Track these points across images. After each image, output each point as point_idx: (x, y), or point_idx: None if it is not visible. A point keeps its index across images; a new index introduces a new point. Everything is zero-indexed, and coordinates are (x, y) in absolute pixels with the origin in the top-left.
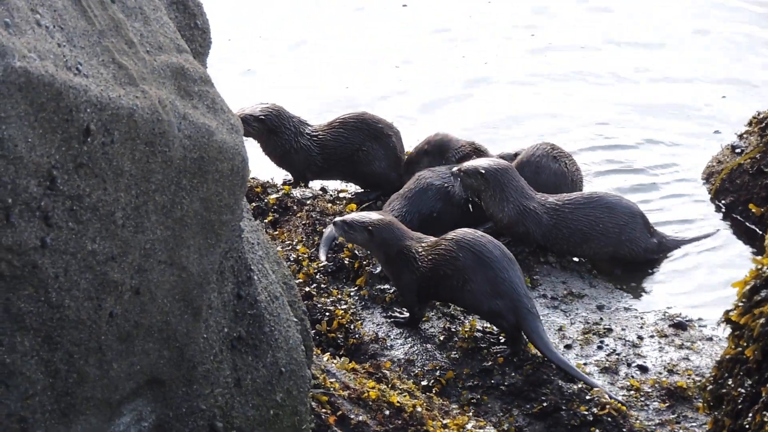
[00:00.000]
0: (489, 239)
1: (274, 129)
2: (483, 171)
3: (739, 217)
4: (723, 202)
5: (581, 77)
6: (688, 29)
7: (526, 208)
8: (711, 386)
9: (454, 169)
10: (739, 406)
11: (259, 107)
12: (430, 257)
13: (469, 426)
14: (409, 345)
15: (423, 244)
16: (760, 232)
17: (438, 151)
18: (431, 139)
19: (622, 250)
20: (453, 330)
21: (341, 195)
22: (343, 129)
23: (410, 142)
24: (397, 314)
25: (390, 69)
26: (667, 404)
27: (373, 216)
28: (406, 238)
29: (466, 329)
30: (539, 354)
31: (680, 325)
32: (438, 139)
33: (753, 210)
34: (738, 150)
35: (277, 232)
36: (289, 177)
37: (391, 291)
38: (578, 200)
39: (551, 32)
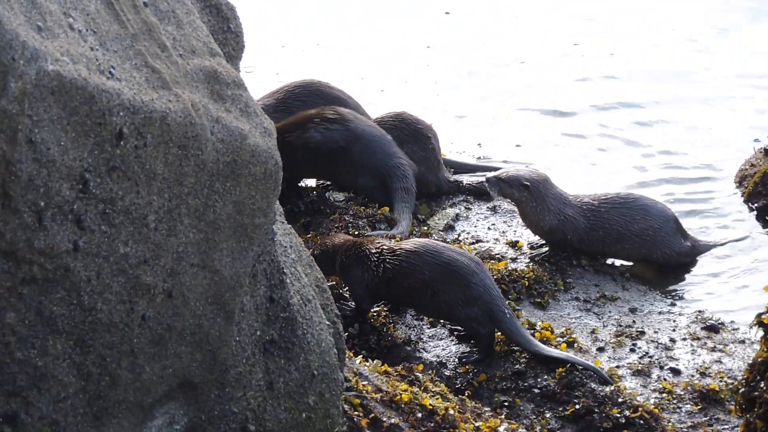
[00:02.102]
0: (451, 247)
1: None
2: (527, 183)
3: None
4: (756, 205)
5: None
6: (725, 29)
7: (566, 215)
8: (743, 389)
9: (491, 176)
10: None
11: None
12: (388, 265)
13: (501, 429)
14: (441, 348)
15: (380, 248)
16: None
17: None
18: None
19: (655, 253)
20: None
21: None
22: (292, 97)
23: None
24: (344, 306)
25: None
26: (699, 407)
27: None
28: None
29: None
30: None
31: (713, 328)
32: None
33: None
34: None
35: (309, 235)
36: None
37: None
38: (614, 200)
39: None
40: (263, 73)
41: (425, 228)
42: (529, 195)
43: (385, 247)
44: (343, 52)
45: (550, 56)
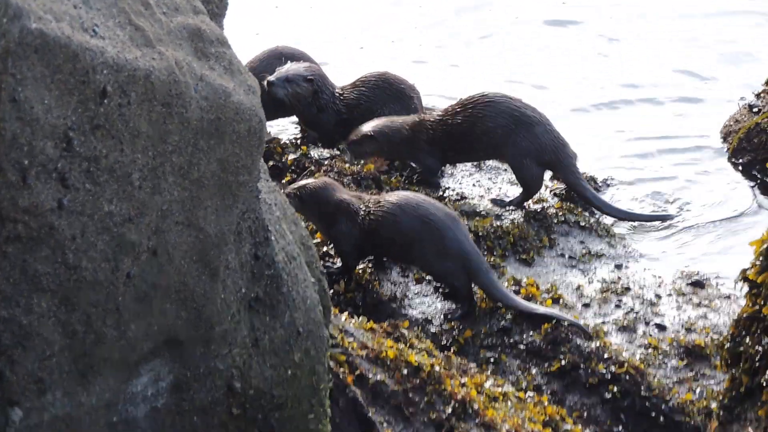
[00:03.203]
0: (430, 201)
1: (317, 90)
2: (371, 134)
3: (757, 175)
4: (740, 160)
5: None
6: None
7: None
8: (729, 344)
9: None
10: (757, 364)
11: (302, 67)
12: (372, 217)
13: (487, 384)
14: (426, 304)
15: (365, 202)
16: None
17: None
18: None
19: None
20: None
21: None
22: (365, 88)
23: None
24: (330, 264)
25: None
26: (684, 362)
27: (307, 181)
28: (344, 193)
29: (475, 286)
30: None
31: (698, 284)
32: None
33: None
34: (755, 109)
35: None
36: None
37: None
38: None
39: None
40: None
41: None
42: (379, 144)
43: (370, 200)
44: (330, 13)
45: (539, 19)
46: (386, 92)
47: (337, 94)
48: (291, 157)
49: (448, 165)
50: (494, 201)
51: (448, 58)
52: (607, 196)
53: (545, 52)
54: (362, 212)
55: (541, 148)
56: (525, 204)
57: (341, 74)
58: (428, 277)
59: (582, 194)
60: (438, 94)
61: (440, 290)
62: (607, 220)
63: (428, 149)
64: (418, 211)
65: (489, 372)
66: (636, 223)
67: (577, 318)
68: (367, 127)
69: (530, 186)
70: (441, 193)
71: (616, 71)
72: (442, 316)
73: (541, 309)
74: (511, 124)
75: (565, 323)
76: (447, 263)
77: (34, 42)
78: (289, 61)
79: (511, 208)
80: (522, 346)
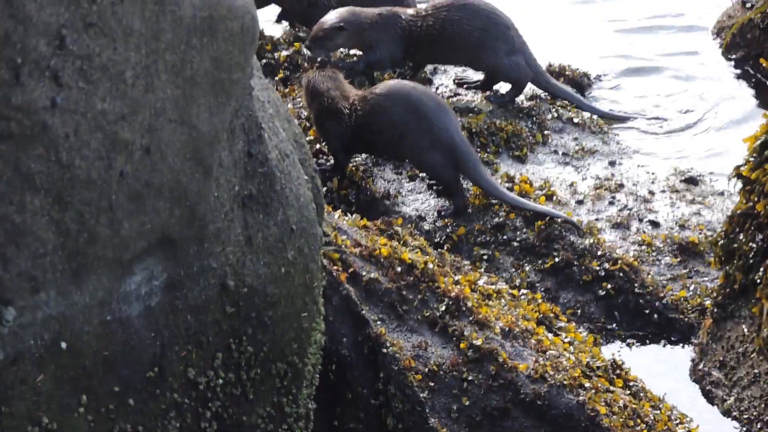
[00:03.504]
0: (422, 90)
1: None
2: (341, 24)
3: (750, 71)
4: (734, 56)
5: None
6: None
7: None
8: (722, 241)
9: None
10: (750, 261)
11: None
12: (360, 112)
13: (480, 282)
14: (420, 201)
15: (352, 98)
16: None
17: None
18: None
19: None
20: (465, 186)
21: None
22: None
23: None
24: (323, 162)
25: None
26: (678, 259)
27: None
28: (334, 90)
29: (463, 177)
30: (490, 197)
31: (692, 181)
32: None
33: (764, 64)
34: (749, 5)
35: (287, 90)
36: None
37: None
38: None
39: None
40: None
41: None
42: (348, 34)
43: (357, 95)
44: None
45: None
46: None
47: None
48: (284, 53)
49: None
50: (488, 97)
51: None
52: (601, 93)
53: None
54: (348, 109)
55: (514, 50)
56: (518, 100)
57: None
58: (421, 174)
59: (552, 93)
60: None
61: (433, 187)
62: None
63: (391, 45)
64: (407, 100)
65: (482, 269)
66: (629, 122)
67: (570, 215)
68: (333, 17)
69: (519, 79)
70: (435, 89)
71: None
72: (435, 213)
73: (530, 204)
74: (487, 26)
75: (559, 220)
76: (436, 153)
77: None
78: None
79: (504, 102)
80: (515, 243)
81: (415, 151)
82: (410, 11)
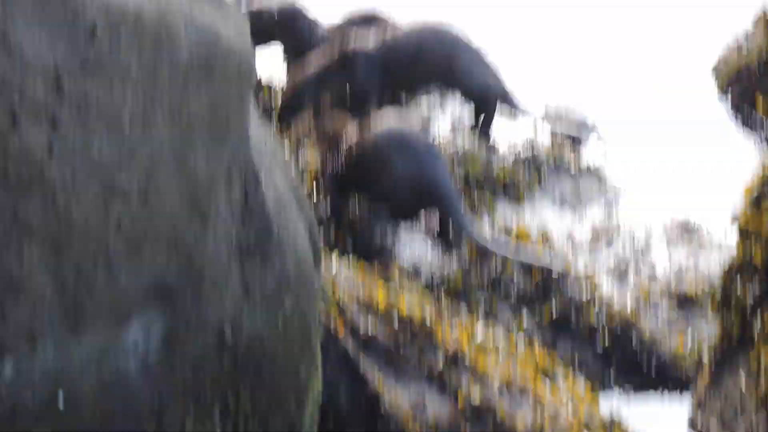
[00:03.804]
0: (416, 134)
1: (287, 24)
2: None
3: (746, 111)
4: (729, 95)
5: None
6: None
7: None
8: (719, 292)
9: None
10: (748, 312)
11: (276, 2)
12: (354, 152)
13: (478, 332)
14: (418, 250)
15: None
16: None
17: None
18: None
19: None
20: None
21: None
22: (353, 25)
23: None
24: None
25: None
26: (676, 310)
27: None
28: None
29: None
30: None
31: (689, 230)
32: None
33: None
34: (744, 51)
35: (285, 135)
36: None
37: None
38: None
39: None
40: None
41: None
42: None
43: (355, 134)
44: None
45: None
46: (372, 29)
47: (323, 33)
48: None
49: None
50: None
51: None
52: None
53: None
54: (345, 149)
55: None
56: (518, 146)
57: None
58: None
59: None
60: None
61: (431, 234)
62: (600, 162)
63: (364, 81)
64: (398, 142)
65: (480, 319)
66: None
67: (569, 267)
68: (291, 83)
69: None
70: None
71: None
72: (433, 261)
73: (510, 252)
74: (454, 50)
75: (538, 266)
76: (420, 194)
77: None
78: None
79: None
80: (513, 293)
81: (398, 193)
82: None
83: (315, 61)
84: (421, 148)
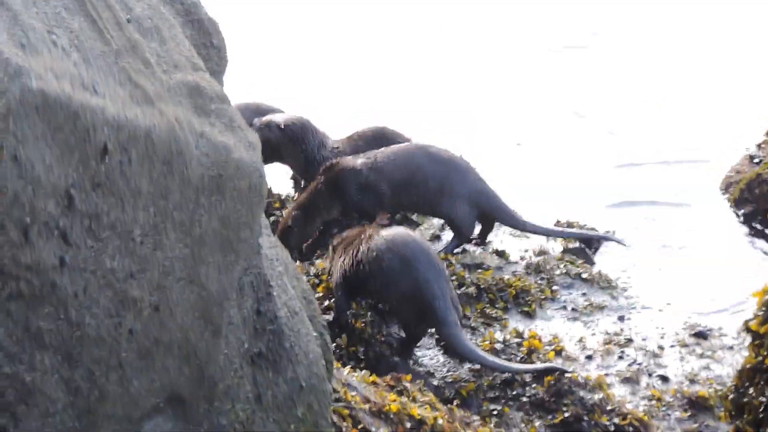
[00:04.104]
0: (421, 245)
1: (295, 139)
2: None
3: (758, 227)
4: (742, 211)
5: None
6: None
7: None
8: (732, 395)
9: None
10: (761, 415)
11: (284, 116)
12: (357, 257)
13: None
14: (429, 357)
15: (361, 235)
16: None
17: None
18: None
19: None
20: (473, 341)
21: None
22: (362, 142)
23: None
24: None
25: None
26: (688, 414)
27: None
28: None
29: (486, 340)
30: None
31: (701, 335)
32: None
33: None
34: (756, 160)
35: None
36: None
37: None
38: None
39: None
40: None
41: None
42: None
43: (360, 240)
44: (334, 66)
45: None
46: (384, 145)
47: (333, 148)
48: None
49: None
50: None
51: (451, 111)
52: (608, 248)
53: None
54: (356, 245)
55: (474, 194)
56: (526, 255)
57: (346, 128)
58: (431, 331)
59: (523, 229)
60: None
61: (441, 343)
62: (609, 272)
63: (359, 197)
64: (399, 251)
65: (492, 425)
66: (638, 275)
67: (575, 375)
68: (284, 220)
69: (462, 230)
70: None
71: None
72: (444, 369)
73: (507, 365)
74: (448, 172)
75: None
76: (408, 306)
77: (35, 100)
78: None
79: (457, 252)
80: (525, 398)
81: (395, 303)
82: (363, 159)
83: (306, 192)
84: (423, 259)
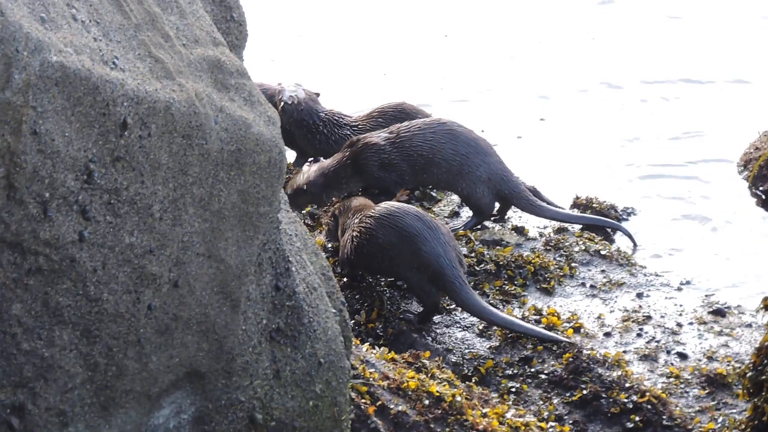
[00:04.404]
0: (413, 212)
1: (301, 119)
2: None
3: None
4: (761, 188)
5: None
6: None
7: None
8: (750, 373)
9: None
10: None
11: (288, 94)
12: (356, 233)
13: (508, 415)
14: (448, 335)
15: (362, 211)
16: None
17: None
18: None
19: (459, 185)
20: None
21: None
22: (382, 118)
23: None
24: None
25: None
26: (706, 391)
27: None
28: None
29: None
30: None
31: (719, 312)
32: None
33: None
34: None
35: (314, 224)
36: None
37: None
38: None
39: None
40: (282, 61)
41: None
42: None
43: (364, 211)
44: (352, 41)
45: (563, 42)
46: (403, 122)
47: (352, 125)
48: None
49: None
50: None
51: (469, 87)
52: (628, 225)
53: (566, 78)
54: (357, 221)
55: (493, 177)
56: (545, 232)
57: (364, 102)
58: (451, 306)
59: (540, 215)
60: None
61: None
62: (629, 249)
63: (379, 174)
64: (395, 224)
65: (510, 402)
66: (659, 251)
67: (592, 351)
68: (301, 179)
69: (482, 209)
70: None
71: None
72: (463, 346)
73: (518, 324)
74: (470, 152)
75: (547, 339)
76: (420, 276)
77: (54, 75)
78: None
79: (476, 229)
80: (543, 376)
81: (404, 274)
82: (382, 135)
83: (332, 161)
84: (419, 226)
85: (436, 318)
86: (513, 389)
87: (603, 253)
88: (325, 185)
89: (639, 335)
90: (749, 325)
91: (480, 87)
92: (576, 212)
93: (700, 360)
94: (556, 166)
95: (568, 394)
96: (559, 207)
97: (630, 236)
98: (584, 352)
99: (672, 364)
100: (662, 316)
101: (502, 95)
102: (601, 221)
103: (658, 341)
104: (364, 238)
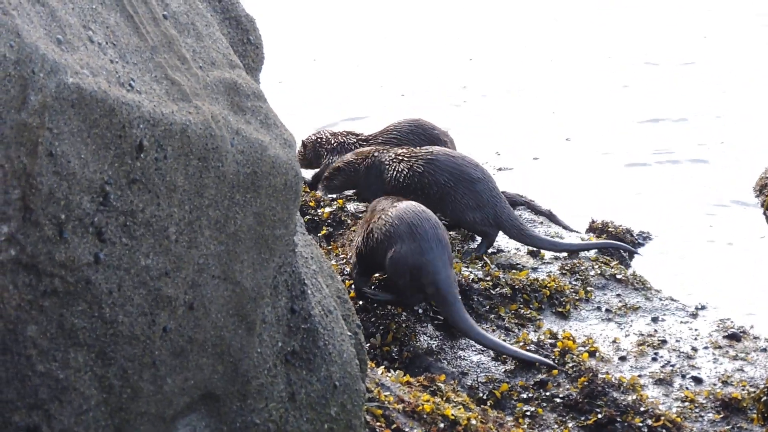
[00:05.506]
0: (432, 219)
1: (312, 159)
2: None
3: None
4: None
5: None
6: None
7: None
8: (765, 397)
9: None
10: None
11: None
12: (370, 235)
13: None
14: (463, 358)
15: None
16: None
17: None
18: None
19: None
20: (507, 342)
21: None
22: (397, 132)
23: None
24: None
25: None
26: (721, 415)
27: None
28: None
29: (520, 341)
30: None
31: (734, 337)
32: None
33: None
34: None
35: (330, 246)
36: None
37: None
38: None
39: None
40: (293, 85)
41: None
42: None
43: (378, 208)
44: (369, 63)
45: (580, 66)
46: (419, 138)
47: (366, 140)
48: (327, 210)
49: None
50: (465, 253)
51: (485, 106)
52: (643, 250)
53: (578, 98)
54: (368, 219)
55: (482, 204)
56: (560, 256)
57: (380, 121)
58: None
59: (531, 244)
60: (473, 140)
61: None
62: (645, 273)
63: (376, 185)
64: (411, 218)
65: (525, 425)
66: (674, 276)
67: (608, 375)
68: (338, 162)
69: (485, 233)
70: (476, 245)
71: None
72: (478, 370)
73: (508, 347)
74: (450, 181)
75: (536, 363)
76: (411, 277)
77: (70, 96)
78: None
79: (492, 252)
80: (558, 399)
81: (396, 267)
82: (389, 154)
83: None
84: (427, 228)
85: (451, 341)
86: (528, 413)
87: (618, 277)
88: (343, 180)
89: (654, 359)
90: (764, 350)
91: (499, 108)
92: (574, 236)
93: (715, 384)
94: (573, 188)
95: (583, 418)
96: (571, 229)
97: (632, 250)
98: (599, 376)
99: (687, 388)
100: (677, 341)
101: (520, 116)
102: (595, 245)
103: (673, 365)
104: (379, 224)
